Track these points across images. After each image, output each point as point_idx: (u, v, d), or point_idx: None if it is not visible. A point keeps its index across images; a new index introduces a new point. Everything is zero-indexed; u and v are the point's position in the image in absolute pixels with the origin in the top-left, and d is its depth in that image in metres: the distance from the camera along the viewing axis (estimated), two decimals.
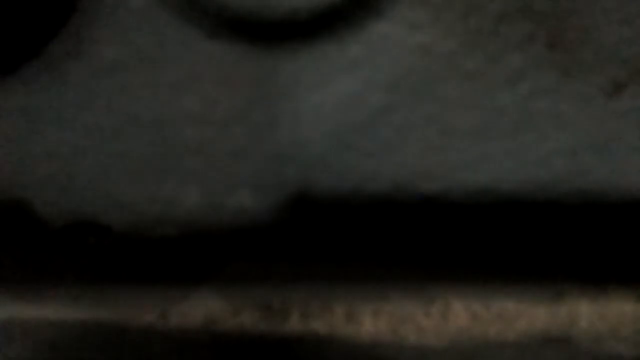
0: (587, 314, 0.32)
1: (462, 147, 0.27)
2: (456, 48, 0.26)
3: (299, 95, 0.26)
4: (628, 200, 0.27)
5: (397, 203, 0.28)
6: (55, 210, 0.27)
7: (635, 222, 0.29)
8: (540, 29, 0.26)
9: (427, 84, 0.26)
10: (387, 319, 0.32)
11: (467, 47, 0.26)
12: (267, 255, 0.32)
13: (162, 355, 0.32)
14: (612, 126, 0.26)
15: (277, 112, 0.27)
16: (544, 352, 0.31)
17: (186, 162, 0.27)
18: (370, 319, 0.32)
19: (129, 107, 0.26)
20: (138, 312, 0.32)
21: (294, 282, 0.32)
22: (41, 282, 0.32)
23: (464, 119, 0.27)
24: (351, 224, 0.29)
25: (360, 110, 0.27)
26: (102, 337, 0.32)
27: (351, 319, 0.32)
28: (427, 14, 0.25)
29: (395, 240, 0.31)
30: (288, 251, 0.31)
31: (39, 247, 0.30)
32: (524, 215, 0.28)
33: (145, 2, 0.25)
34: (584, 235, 0.30)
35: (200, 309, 0.32)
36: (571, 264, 0.32)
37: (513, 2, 0.26)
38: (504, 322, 0.32)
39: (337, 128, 0.27)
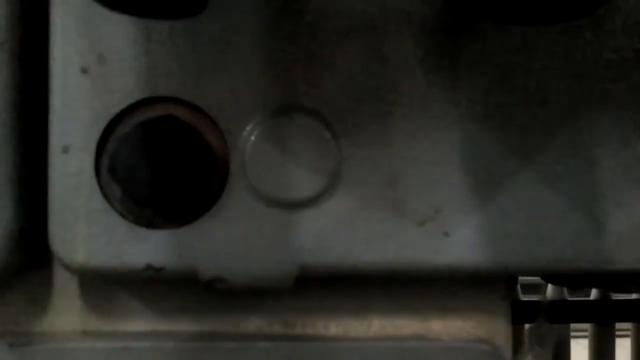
0: (437, 326, 0.66)
1: (368, 246, 0.61)
2: (363, 211, 0.61)
3: (301, 228, 0.60)
4: (438, 271, 0.61)
5: (345, 269, 0.62)
6: (206, 271, 0.60)
7: (454, 283, 0.64)
8: (396, 199, 0.61)
9: (356, 223, 0.61)
10: (343, 327, 0.65)
11: (371, 207, 0.61)
12: (286, 295, 0.65)
13: (234, 344, 0.64)
14: (421, 241, 0.61)
15: (291, 236, 0.61)
16: (414, 342, 0.65)
17: (250, 255, 0.61)
18: (335, 327, 0.65)
19: (242, 234, 0.61)
20: (223, 326, 0.65)
21: (298, 308, 0.65)
22: (175, 310, 0.65)
23: (366, 234, 0.61)
24: (326, 279, 0.63)
25: (327, 233, 0.61)
26: (204, 340, 0.65)
27: (326, 327, 0.65)
28: (354, 193, 0.61)
29: (346, 287, 0.65)
30: (296, 293, 0.65)
31: (186, 291, 0.64)
32: (397, 274, 0.62)
33: (243, 195, 0.60)
34: (435, 288, 0.65)
35: (253, 323, 0.65)
36: (431, 302, 0.66)
37: (385, 193, 0.61)
38: (398, 329, 0.66)
39: (319, 238, 0.61)
